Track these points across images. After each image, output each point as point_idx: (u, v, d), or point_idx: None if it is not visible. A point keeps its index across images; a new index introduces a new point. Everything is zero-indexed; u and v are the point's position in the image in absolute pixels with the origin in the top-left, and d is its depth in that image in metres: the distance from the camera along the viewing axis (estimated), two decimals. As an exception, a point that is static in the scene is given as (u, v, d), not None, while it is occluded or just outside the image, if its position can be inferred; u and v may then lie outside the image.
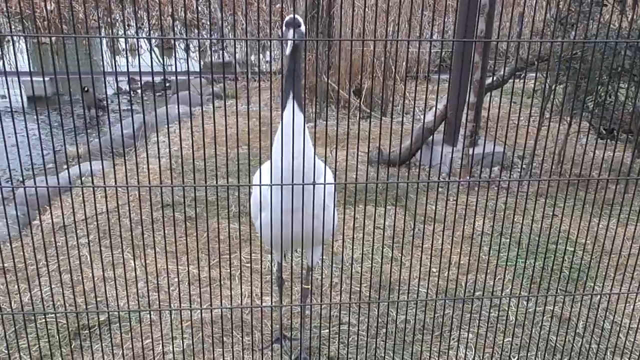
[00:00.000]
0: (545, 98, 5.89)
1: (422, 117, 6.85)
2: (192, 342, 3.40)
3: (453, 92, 6.29)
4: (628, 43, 5.11)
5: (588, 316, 3.74)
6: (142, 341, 3.34)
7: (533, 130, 6.28)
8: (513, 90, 7.23)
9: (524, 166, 6.44)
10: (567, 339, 3.65)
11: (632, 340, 3.64)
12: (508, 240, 4.32)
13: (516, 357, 3.50)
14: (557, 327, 3.75)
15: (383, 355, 3.46)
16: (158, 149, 2.62)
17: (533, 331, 3.70)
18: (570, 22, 5.47)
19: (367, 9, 8.74)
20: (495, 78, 6.83)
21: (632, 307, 3.96)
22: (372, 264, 3.42)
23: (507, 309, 3.93)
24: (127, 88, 10.24)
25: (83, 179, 5.86)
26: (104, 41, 13.24)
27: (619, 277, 4.26)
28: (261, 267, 3.30)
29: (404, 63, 8.68)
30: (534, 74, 7.18)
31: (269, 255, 4.39)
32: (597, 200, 5.13)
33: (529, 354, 3.51)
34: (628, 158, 6.26)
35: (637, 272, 4.23)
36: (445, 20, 11.50)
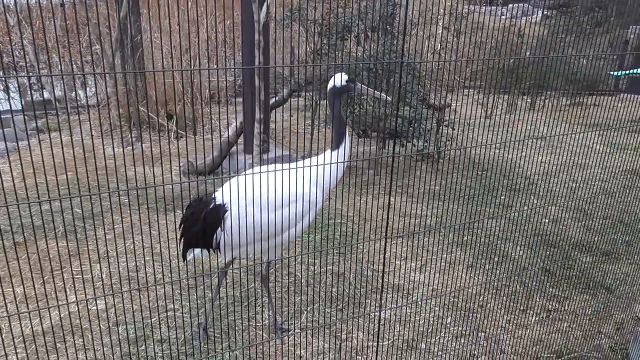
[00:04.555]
0: (314, 111, 6.30)
1: (224, 133, 6.88)
2: (27, 354, 3.04)
3: (246, 111, 6.40)
4: (364, 65, 5.68)
5: (355, 269, 4.12)
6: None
7: (308, 136, 6.67)
8: (291, 106, 7.57)
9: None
10: (342, 288, 3.95)
11: (384, 280, 4.07)
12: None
13: (307, 309, 3.70)
14: (335, 280, 4.04)
15: (206, 329, 3.41)
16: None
17: (319, 288, 3.94)
18: (323, 52, 5.91)
19: (172, 49, 8.49)
20: (277, 98, 7.11)
21: (382, 256, 4.42)
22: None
23: (299, 274, 4.13)
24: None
25: None
26: None
27: (374, 236, 4.73)
28: (86, 276, 3.05)
29: (207, 90, 8.60)
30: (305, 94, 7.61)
31: (97, 265, 4.05)
32: (357, 183, 5.64)
33: (315, 306, 3.73)
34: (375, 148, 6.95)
35: (382, 229, 4.73)
36: (241, 55, 11.59)
